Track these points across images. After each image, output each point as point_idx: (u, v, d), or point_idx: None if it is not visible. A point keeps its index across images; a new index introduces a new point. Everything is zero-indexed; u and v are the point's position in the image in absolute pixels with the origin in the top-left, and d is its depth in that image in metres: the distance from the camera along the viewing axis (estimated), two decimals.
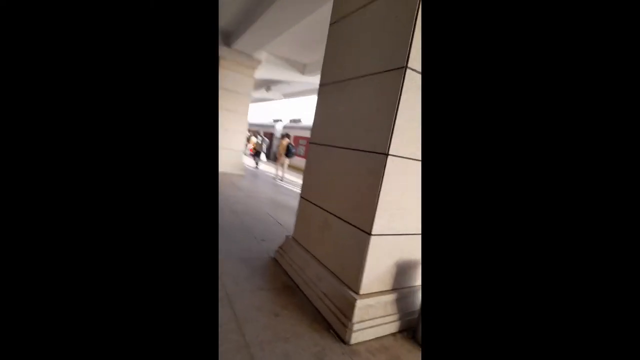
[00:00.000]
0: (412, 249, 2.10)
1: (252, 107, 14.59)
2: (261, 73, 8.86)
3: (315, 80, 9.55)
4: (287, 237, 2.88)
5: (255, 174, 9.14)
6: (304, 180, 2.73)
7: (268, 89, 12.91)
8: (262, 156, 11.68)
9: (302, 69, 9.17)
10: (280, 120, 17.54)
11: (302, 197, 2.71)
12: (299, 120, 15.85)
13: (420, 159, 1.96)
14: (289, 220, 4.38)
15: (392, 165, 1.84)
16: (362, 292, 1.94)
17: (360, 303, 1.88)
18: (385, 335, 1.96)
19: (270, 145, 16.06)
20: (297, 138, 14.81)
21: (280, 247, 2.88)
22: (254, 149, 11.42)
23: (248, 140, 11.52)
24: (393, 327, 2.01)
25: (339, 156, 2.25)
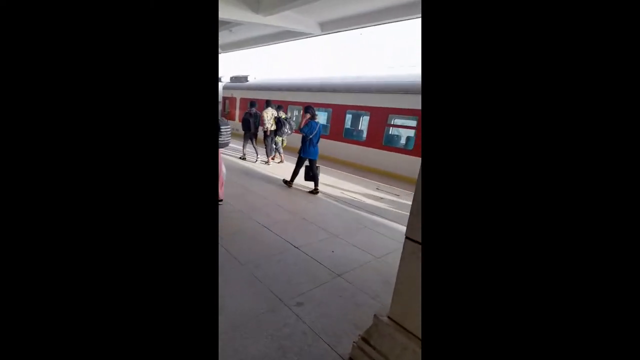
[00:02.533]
0: None
1: None
2: None
3: (273, 21, 7.30)
4: (377, 318, 1.41)
5: None
6: (416, 207, 1.23)
7: None
8: None
9: (256, 5, 6.82)
10: (220, 80, 14.34)
11: (411, 240, 1.23)
12: (244, 79, 12.89)
13: None
14: (299, 238, 2.85)
15: None
16: None
17: None
18: None
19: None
20: (244, 101, 12.11)
21: (366, 340, 1.42)
22: None
23: None
24: None
25: None
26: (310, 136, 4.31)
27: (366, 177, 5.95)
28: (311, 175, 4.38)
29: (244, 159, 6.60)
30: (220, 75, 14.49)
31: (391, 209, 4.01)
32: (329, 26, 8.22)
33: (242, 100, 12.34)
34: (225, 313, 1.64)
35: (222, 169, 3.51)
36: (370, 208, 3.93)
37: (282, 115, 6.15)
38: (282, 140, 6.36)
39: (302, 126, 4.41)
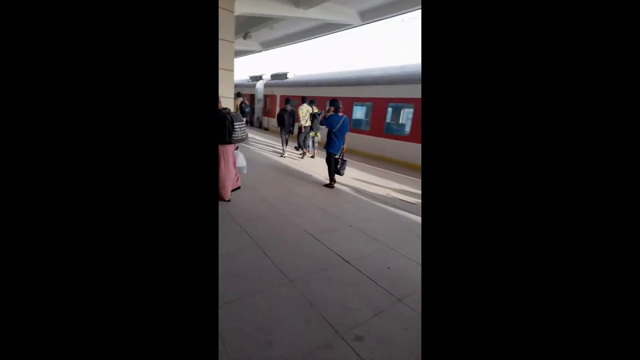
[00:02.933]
0: None
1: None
2: (241, 7, 6.14)
3: (313, 14, 7.06)
4: None
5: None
6: None
7: (246, 36, 10.01)
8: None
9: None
10: (261, 78, 14.39)
11: None
12: (284, 76, 12.83)
13: None
14: (349, 249, 2.59)
15: None
16: None
17: None
18: None
19: (252, 110, 13.16)
20: (283, 98, 12.06)
21: None
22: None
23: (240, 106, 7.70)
24: None
25: None
26: (334, 130, 4.29)
27: (410, 175, 5.50)
28: (337, 168, 4.35)
29: (283, 156, 6.53)
30: (261, 73, 14.61)
31: None
32: (369, 15, 7.76)
33: (282, 97, 12.33)
34: (277, 345, 1.45)
35: (240, 162, 3.63)
36: (419, 211, 3.53)
37: (315, 110, 6.30)
38: (317, 134, 6.48)
39: (322, 119, 4.38)
